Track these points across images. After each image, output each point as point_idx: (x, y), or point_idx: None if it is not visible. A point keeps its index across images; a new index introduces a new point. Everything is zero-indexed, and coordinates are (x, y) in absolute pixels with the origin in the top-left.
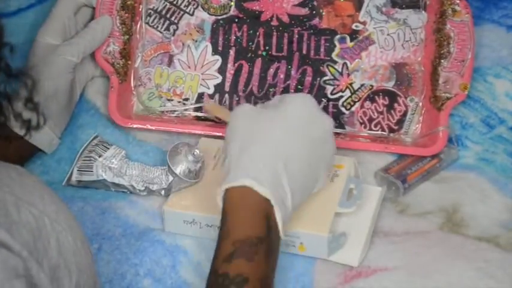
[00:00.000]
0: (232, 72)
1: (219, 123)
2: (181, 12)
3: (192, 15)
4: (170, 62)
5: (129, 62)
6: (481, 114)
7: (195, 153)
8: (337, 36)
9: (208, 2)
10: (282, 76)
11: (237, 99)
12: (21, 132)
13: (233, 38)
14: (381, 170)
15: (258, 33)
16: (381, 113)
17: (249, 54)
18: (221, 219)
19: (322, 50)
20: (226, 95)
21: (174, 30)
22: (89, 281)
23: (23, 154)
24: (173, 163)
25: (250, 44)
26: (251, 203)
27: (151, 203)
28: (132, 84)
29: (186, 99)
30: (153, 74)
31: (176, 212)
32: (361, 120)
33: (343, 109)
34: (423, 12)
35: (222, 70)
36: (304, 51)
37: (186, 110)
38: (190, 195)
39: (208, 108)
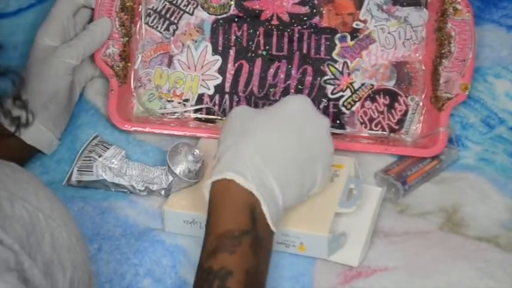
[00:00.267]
0: (233, 72)
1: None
2: (181, 12)
3: (191, 14)
4: (170, 63)
5: (129, 64)
6: (481, 114)
7: (195, 153)
8: (338, 35)
9: (208, 1)
10: (282, 76)
11: (237, 99)
12: (11, 129)
13: (233, 37)
14: (381, 171)
15: (258, 33)
16: (382, 112)
17: (249, 54)
18: (207, 214)
19: (322, 49)
20: (227, 96)
21: (174, 30)
22: (83, 276)
23: (23, 155)
24: (173, 163)
25: (250, 43)
26: (234, 197)
27: (151, 203)
28: (132, 86)
29: (186, 100)
30: (152, 75)
31: (176, 212)
32: (361, 120)
33: (343, 109)
34: (424, 9)
35: (222, 70)
36: (304, 51)
37: (186, 111)
38: (190, 195)
39: None
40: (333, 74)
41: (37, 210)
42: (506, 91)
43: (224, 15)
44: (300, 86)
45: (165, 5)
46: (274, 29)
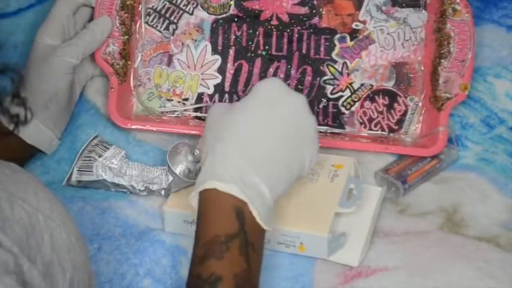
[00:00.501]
0: (232, 72)
1: None
2: (181, 12)
3: (191, 14)
4: (170, 62)
5: (129, 62)
6: (481, 114)
7: (195, 153)
8: (337, 36)
9: (208, 1)
10: (281, 76)
11: (236, 99)
12: (9, 127)
13: (233, 37)
14: (381, 171)
15: (257, 33)
16: (381, 112)
17: (249, 54)
18: (196, 224)
19: (322, 49)
20: (226, 95)
21: (174, 30)
22: (83, 277)
23: (23, 155)
24: (173, 163)
25: (250, 43)
26: (219, 203)
27: (151, 203)
28: (132, 85)
29: (186, 99)
30: (152, 74)
31: (176, 212)
32: (361, 120)
33: (343, 109)
34: (423, 11)
35: (221, 70)
36: (304, 51)
37: (185, 110)
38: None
39: None
40: (333, 74)
41: (36, 211)
42: (506, 91)
43: (224, 15)
44: (299, 86)
45: (165, 4)
46: (274, 29)
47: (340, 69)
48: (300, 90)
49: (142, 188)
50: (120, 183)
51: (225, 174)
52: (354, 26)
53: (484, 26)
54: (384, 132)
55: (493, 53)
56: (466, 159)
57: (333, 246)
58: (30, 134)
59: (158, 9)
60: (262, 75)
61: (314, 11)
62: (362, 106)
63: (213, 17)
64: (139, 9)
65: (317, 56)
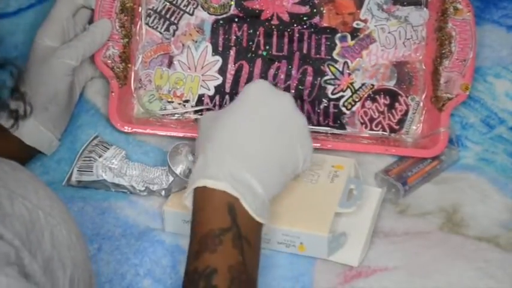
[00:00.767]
0: (233, 72)
1: None
2: (181, 12)
3: (191, 15)
4: (170, 63)
5: (129, 65)
6: (481, 114)
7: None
8: (338, 35)
9: (208, 1)
10: (282, 76)
11: None
12: (7, 124)
13: (233, 37)
14: (381, 172)
15: (258, 33)
16: (382, 112)
17: (250, 54)
18: (190, 223)
19: (322, 49)
20: (227, 96)
21: (174, 31)
22: (84, 274)
23: (23, 156)
24: (173, 163)
25: (250, 43)
26: (211, 200)
27: (152, 203)
28: (133, 87)
29: (187, 101)
30: (153, 76)
31: (176, 212)
32: (362, 120)
33: (344, 109)
34: (425, 9)
35: (222, 71)
36: (304, 51)
37: (186, 112)
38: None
39: None
40: (333, 74)
41: (37, 208)
42: (506, 91)
43: (224, 16)
44: (300, 86)
45: (165, 5)
46: (274, 29)
47: (341, 69)
48: (301, 91)
49: (143, 188)
50: (120, 184)
51: (216, 172)
52: (354, 25)
53: (484, 26)
54: (385, 133)
55: (493, 53)
56: (466, 160)
57: (333, 246)
58: (29, 135)
59: (158, 10)
60: (263, 76)
61: (315, 10)
62: (363, 106)
63: (214, 17)
64: (140, 10)
65: (318, 56)
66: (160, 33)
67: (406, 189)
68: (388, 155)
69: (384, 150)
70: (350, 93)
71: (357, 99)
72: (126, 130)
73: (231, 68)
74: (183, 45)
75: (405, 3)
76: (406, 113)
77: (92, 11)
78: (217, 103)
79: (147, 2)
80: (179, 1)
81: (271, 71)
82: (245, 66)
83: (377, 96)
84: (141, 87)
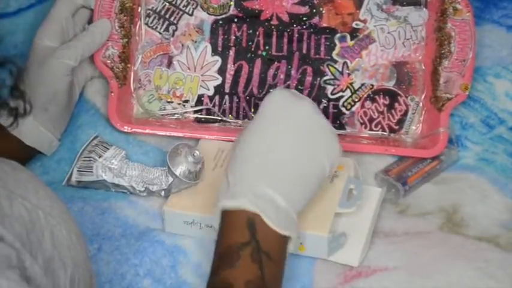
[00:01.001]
0: (232, 73)
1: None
2: (181, 13)
3: (191, 15)
4: (170, 64)
5: (129, 65)
6: (481, 115)
7: (195, 154)
8: (338, 35)
9: (208, 1)
10: (282, 76)
11: (237, 100)
12: (7, 122)
13: (233, 38)
14: (381, 172)
15: (257, 33)
16: (382, 112)
17: (249, 55)
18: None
19: (322, 49)
20: (226, 96)
21: (174, 31)
22: (84, 274)
23: (23, 156)
24: (173, 164)
25: (250, 43)
26: (232, 218)
27: (151, 203)
28: (132, 87)
29: (186, 101)
30: (152, 76)
31: (176, 213)
32: (361, 121)
33: (343, 109)
34: (424, 9)
35: (221, 71)
36: (304, 51)
37: (185, 112)
38: (190, 196)
39: None
40: (333, 74)
41: (37, 208)
42: (506, 91)
43: (224, 16)
44: (299, 87)
45: (165, 5)
46: (274, 29)
47: (340, 69)
48: (300, 91)
49: (142, 189)
50: (120, 184)
51: (236, 191)
52: (354, 25)
53: (484, 26)
54: (384, 133)
55: (493, 53)
56: (466, 160)
57: (333, 246)
58: (29, 135)
59: (158, 10)
60: (262, 76)
61: (314, 10)
62: (362, 106)
63: (213, 17)
64: (139, 10)
65: (317, 56)
66: (160, 33)
67: (406, 189)
68: (388, 155)
69: (384, 150)
70: (349, 94)
71: (356, 100)
72: (125, 130)
73: (231, 68)
74: (182, 45)
75: (404, 3)
76: (405, 113)
77: (91, 11)
78: (217, 103)
79: (146, 2)
80: (178, 1)
81: (271, 71)
82: (245, 67)
83: (376, 97)
84: (141, 87)
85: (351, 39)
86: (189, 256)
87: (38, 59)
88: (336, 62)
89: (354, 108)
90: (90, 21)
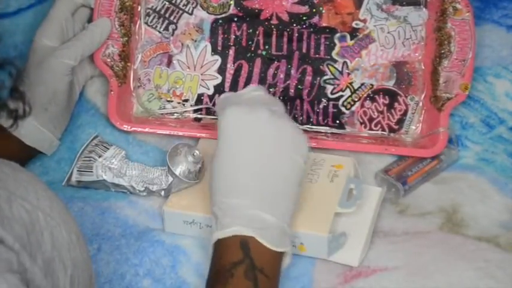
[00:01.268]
0: (232, 72)
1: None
2: (180, 12)
3: (191, 14)
4: (169, 63)
5: (129, 64)
6: (481, 114)
7: (195, 154)
8: (337, 35)
9: (207, 0)
10: (281, 76)
11: None
12: (7, 123)
13: (232, 37)
14: (381, 171)
15: (257, 32)
16: (381, 112)
17: (249, 54)
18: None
19: (322, 48)
20: None
21: (173, 30)
22: (84, 275)
23: (23, 156)
24: (173, 164)
25: (249, 43)
26: (224, 242)
27: (151, 203)
28: (132, 86)
29: (186, 100)
30: (152, 75)
31: (176, 213)
32: (361, 120)
33: (343, 109)
34: (424, 9)
35: (221, 70)
36: (304, 50)
37: (185, 111)
38: (190, 196)
39: None
40: (333, 74)
41: (36, 209)
42: (506, 91)
43: (223, 15)
44: (299, 86)
45: (165, 4)
46: (274, 29)
47: (340, 69)
48: (300, 90)
49: (142, 189)
50: (120, 184)
51: (226, 222)
52: (354, 24)
53: (484, 26)
54: (384, 132)
55: (493, 53)
56: (466, 159)
57: (333, 246)
58: (29, 135)
59: (158, 9)
60: (262, 75)
61: (314, 9)
62: (362, 106)
63: (213, 16)
64: (139, 9)
65: (317, 56)
66: (160, 32)
67: (405, 189)
68: (388, 155)
69: (384, 150)
70: (349, 93)
71: (356, 99)
72: (125, 129)
73: (230, 68)
74: (182, 44)
75: (404, 3)
76: (405, 113)
77: (91, 10)
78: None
79: (146, 1)
80: (178, 0)
81: (271, 71)
82: (244, 66)
83: (376, 96)
84: (140, 86)
85: (351, 39)
86: (189, 256)
87: (38, 58)
88: (335, 61)
89: (353, 108)
90: (90, 20)
